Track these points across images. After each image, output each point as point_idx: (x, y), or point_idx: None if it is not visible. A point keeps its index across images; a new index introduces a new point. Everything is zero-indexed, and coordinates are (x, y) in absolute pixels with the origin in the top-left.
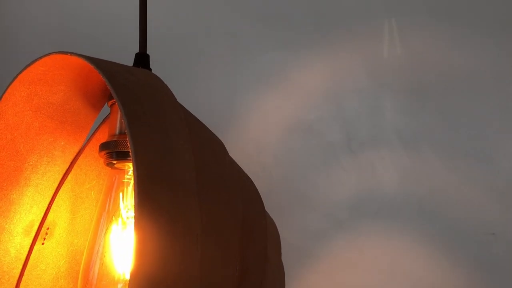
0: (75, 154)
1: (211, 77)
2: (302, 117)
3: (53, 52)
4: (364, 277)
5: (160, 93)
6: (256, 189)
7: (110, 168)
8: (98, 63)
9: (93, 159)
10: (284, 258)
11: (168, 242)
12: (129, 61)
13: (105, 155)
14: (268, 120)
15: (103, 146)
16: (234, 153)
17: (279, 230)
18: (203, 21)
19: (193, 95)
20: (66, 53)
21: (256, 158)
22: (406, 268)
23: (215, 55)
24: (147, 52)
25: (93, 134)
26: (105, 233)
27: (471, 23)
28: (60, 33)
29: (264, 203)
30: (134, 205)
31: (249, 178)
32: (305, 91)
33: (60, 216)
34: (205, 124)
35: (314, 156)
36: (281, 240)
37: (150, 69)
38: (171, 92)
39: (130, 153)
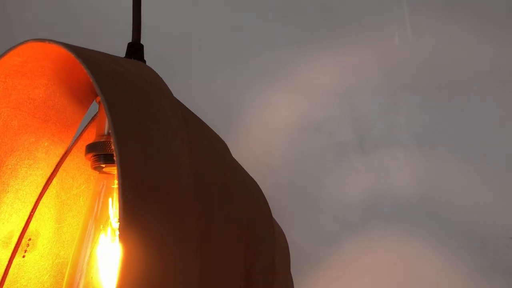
0: (60, 156)
1: (214, 74)
2: (311, 116)
3: (29, 40)
4: (377, 283)
5: (154, 87)
6: (263, 195)
7: (98, 172)
8: (79, 51)
9: (81, 162)
10: (293, 263)
11: (160, 259)
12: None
13: (92, 157)
14: (276, 119)
15: (90, 148)
16: (240, 155)
17: (287, 234)
18: (206, 15)
19: (195, 93)
20: (43, 40)
21: (263, 159)
22: (421, 274)
23: (219, 50)
24: (145, 46)
25: (81, 134)
26: (91, 244)
27: (489, 15)
28: (48, 20)
29: (271, 206)
30: (119, 218)
31: (255, 182)
32: (315, 89)
33: (43, 225)
34: (208, 124)
35: (324, 157)
36: (289, 244)
37: (144, 61)
38: (167, 87)
39: (114, 156)
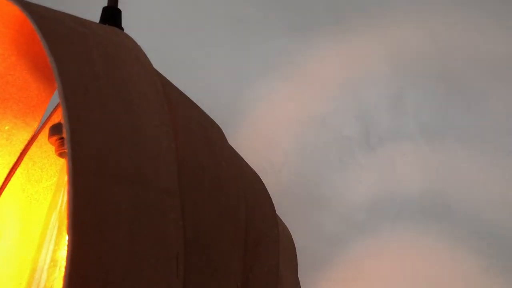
0: (25, 142)
1: (213, 66)
2: (315, 110)
3: None
4: (383, 285)
5: (127, 54)
6: (266, 190)
7: (64, 159)
8: (27, 5)
9: (51, 149)
10: None
11: (129, 269)
12: None
13: (57, 141)
14: (278, 113)
15: (54, 130)
16: (240, 150)
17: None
18: (205, 4)
19: (193, 86)
20: None
21: (265, 154)
22: (430, 276)
23: (219, 42)
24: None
25: (50, 116)
26: (54, 246)
27: (501, 5)
28: None
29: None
30: (67, 215)
31: (257, 175)
32: (318, 81)
33: (6, 224)
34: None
35: (329, 153)
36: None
37: (122, 29)
38: (146, 56)
39: (64, 135)
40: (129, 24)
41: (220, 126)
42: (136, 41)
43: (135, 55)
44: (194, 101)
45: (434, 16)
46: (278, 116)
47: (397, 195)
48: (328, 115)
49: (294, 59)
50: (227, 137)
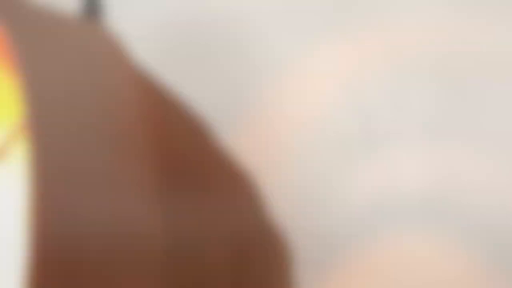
0: None
1: (208, 64)
2: (313, 108)
3: None
4: (384, 285)
5: (100, 44)
6: (259, 192)
7: None
8: None
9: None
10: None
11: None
12: None
13: None
14: (277, 112)
15: None
16: (238, 149)
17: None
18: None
19: (190, 85)
20: None
21: (263, 154)
22: (434, 280)
23: (213, 39)
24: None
25: None
26: None
27: (502, 2)
28: None
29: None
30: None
31: (250, 176)
32: (316, 77)
33: None
34: (201, 119)
35: (328, 151)
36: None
37: (104, 18)
38: (124, 47)
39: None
40: (124, 19)
41: (218, 126)
42: (129, 35)
43: (110, 45)
44: (192, 101)
45: (436, 15)
46: (276, 115)
47: (397, 195)
48: (328, 114)
49: (293, 57)
50: (225, 137)
